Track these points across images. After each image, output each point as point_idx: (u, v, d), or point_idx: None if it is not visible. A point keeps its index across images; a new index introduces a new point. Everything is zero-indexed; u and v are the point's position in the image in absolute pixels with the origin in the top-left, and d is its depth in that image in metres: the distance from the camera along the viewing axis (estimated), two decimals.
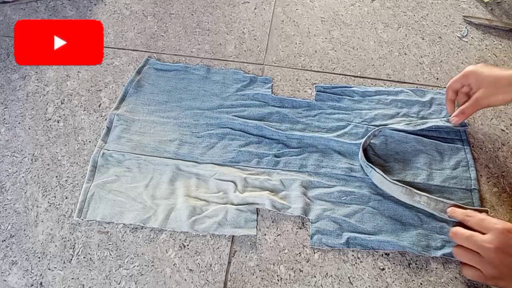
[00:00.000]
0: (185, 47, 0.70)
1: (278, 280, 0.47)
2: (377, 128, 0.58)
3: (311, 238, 0.49)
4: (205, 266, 0.48)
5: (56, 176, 0.54)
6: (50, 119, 0.60)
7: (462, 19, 0.74)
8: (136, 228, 0.50)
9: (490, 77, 0.50)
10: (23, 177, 0.54)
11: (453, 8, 0.76)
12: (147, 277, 0.47)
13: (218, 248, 0.49)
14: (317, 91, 0.63)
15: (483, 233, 0.42)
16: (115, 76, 0.66)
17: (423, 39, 0.71)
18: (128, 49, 0.69)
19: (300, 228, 0.50)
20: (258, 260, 0.48)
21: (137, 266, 0.47)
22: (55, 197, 0.53)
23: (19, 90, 0.64)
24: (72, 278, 0.47)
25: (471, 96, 0.53)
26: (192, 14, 0.75)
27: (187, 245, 0.49)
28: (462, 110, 0.54)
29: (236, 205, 0.51)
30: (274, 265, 0.48)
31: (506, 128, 0.60)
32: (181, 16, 0.75)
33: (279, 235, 0.50)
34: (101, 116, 0.61)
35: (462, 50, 0.70)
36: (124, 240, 0.49)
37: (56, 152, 0.57)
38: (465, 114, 0.54)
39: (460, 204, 0.51)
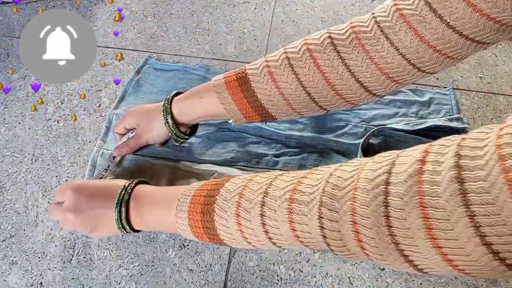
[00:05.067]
0: (185, 47, 0.70)
1: (278, 280, 0.47)
2: (376, 128, 0.58)
3: None
4: (205, 266, 0.48)
5: (56, 176, 0.54)
6: (50, 119, 0.61)
7: None
8: None
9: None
10: (23, 177, 0.55)
11: None
12: (147, 277, 0.47)
13: (218, 248, 0.49)
14: None
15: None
16: (115, 76, 0.66)
17: None
18: (128, 49, 0.69)
19: None
20: (258, 260, 0.48)
21: (137, 266, 0.47)
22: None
23: (19, 90, 0.64)
24: (72, 278, 0.47)
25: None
26: (192, 14, 0.75)
27: (187, 245, 0.49)
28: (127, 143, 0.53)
29: None
30: (274, 265, 0.48)
31: None
32: (181, 16, 0.75)
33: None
34: (101, 116, 0.61)
35: None
36: (124, 240, 0.49)
37: (56, 152, 0.57)
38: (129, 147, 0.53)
39: None
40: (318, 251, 0.48)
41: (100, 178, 0.52)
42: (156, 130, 0.50)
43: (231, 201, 0.35)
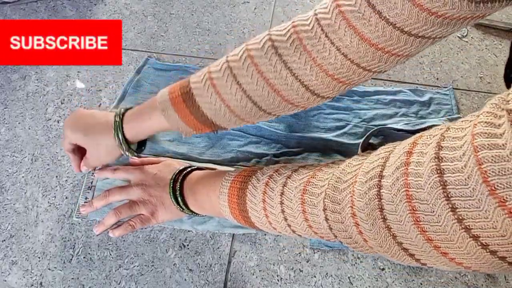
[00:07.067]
0: (185, 47, 0.70)
1: (278, 280, 0.47)
2: (376, 128, 0.58)
3: (310, 239, 0.49)
4: (205, 266, 0.48)
5: (56, 176, 0.54)
6: (50, 119, 0.61)
7: None
8: None
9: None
10: (23, 177, 0.55)
11: None
12: (147, 277, 0.47)
13: (218, 248, 0.49)
14: None
15: None
16: (115, 76, 0.66)
17: None
18: (128, 49, 0.69)
19: None
20: (258, 260, 0.48)
21: (137, 266, 0.47)
22: (55, 197, 0.53)
23: (19, 90, 0.64)
24: (72, 278, 0.47)
25: None
26: (192, 14, 0.75)
27: (187, 245, 0.49)
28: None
29: None
30: (274, 265, 0.48)
31: None
32: (181, 16, 0.75)
33: (279, 235, 0.50)
34: None
35: (462, 50, 0.70)
36: (124, 240, 0.49)
37: (56, 152, 0.57)
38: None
39: None
40: (319, 250, 0.48)
41: (91, 183, 0.53)
42: (108, 154, 0.48)
43: (259, 189, 0.38)
